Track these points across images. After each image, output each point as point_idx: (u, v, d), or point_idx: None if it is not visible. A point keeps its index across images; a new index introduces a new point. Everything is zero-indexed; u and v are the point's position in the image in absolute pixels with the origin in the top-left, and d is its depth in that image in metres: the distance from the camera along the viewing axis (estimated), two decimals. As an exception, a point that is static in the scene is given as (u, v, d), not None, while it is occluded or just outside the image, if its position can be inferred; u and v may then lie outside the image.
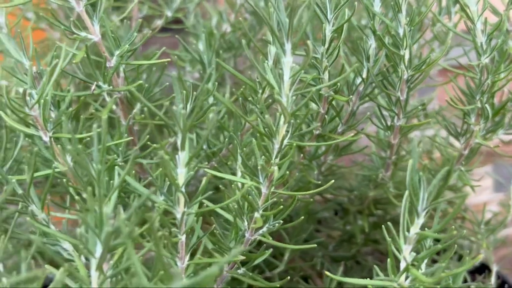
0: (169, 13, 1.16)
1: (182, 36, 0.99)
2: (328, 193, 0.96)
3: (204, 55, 0.87)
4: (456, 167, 0.89)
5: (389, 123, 0.84)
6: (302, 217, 0.67)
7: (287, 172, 0.63)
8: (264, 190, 0.66)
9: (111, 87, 0.72)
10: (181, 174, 0.58)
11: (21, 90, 0.62)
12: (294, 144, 0.61)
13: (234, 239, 0.69)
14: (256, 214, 0.68)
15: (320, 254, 1.05)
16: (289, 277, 0.72)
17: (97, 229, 0.48)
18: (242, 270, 0.71)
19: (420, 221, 0.54)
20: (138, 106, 0.75)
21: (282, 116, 0.60)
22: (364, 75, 0.80)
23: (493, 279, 1.04)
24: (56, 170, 0.66)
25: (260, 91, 0.76)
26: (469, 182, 0.87)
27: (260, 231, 0.70)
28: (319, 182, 0.81)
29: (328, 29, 0.70)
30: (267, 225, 0.69)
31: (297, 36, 0.58)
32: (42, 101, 0.63)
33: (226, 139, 0.81)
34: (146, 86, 0.73)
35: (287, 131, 0.62)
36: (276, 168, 0.63)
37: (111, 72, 0.71)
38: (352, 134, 0.84)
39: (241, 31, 1.08)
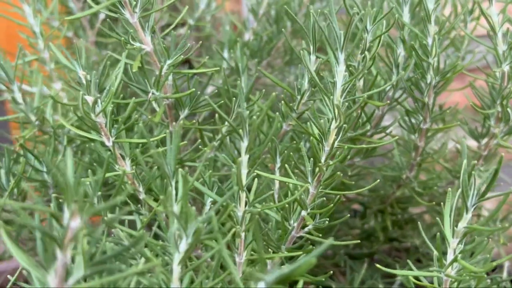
0: (191, 21, 1.20)
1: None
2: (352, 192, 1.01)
3: (239, 63, 0.91)
4: (476, 168, 0.95)
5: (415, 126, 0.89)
6: (348, 215, 0.71)
7: (338, 173, 0.67)
8: (312, 190, 0.71)
9: (161, 93, 0.76)
10: (244, 175, 0.63)
11: (89, 99, 0.65)
12: (346, 147, 0.66)
13: (282, 236, 0.74)
14: (304, 213, 0.72)
15: (342, 252, 1.10)
16: (331, 272, 0.77)
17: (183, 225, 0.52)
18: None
19: (468, 216, 0.59)
20: (185, 112, 0.79)
21: (333, 120, 0.65)
22: (394, 81, 0.86)
23: (504, 274, 1.10)
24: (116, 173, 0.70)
25: (299, 97, 0.81)
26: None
27: (306, 229, 0.74)
28: (353, 182, 0.86)
29: (368, 39, 0.75)
30: (313, 223, 0.73)
31: (350, 47, 0.63)
32: (108, 108, 0.67)
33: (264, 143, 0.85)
34: (198, 93, 0.77)
35: (336, 135, 0.67)
36: (325, 169, 0.68)
37: (163, 80, 0.75)
38: (380, 137, 0.90)
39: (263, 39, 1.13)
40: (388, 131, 0.88)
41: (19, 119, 0.90)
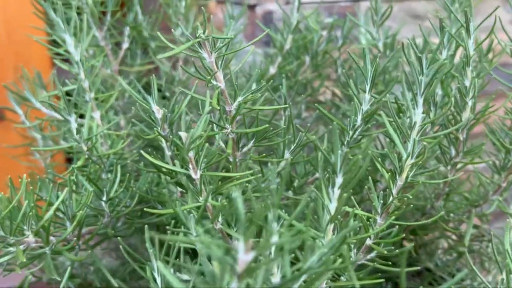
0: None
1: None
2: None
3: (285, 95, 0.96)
4: (494, 197, 1.04)
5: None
6: (413, 244, 0.78)
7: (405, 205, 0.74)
8: (380, 220, 0.77)
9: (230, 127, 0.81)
10: (336, 195, 0.68)
11: (184, 135, 0.69)
12: (420, 182, 0.72)
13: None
14: (369, 241, 0.78)
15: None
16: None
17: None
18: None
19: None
20: (250, 144, 0.83)
21: (408, 157, 0.72)
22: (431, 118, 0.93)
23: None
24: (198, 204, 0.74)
25: (351, 132, 0.87)
26: (508, 210, 1.02)
27: (368, 256, 0.80)
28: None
29: (424, 81, 0.82)
30: (374, 253, 0.79)
31: (427, 91, 0.70)
32: (197, 143, 0.70)
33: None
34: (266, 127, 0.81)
35: (410, 170, 0.73)
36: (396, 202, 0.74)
37: (233, 114, 0.80)
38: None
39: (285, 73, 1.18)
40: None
41: (72, 149, 0.92)
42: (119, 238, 0.89)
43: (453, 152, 0.96)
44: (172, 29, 1.23)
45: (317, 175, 0.93)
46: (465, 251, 0.81)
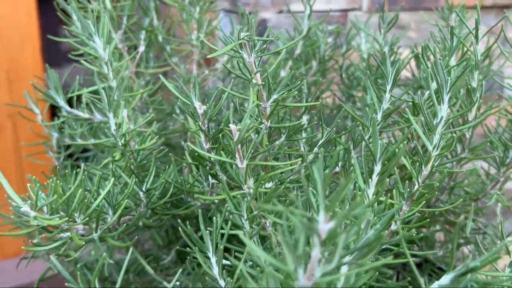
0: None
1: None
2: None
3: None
4: (493, 191, 1.13)
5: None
6: (437, 228, 0.86)
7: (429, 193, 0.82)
8: (404, 207, 0.85)
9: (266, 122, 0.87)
10: (375, 182, 0.75)
11: (234, 128, 0.76)
12: (445, 171, 0.81)
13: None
14: (393, 226, 0.86)
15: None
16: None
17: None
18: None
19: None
20: (283, 138, 0.90)
21: (434, 148, 0.80)
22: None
23: None
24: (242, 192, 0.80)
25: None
26: (505, 203, 1.11)
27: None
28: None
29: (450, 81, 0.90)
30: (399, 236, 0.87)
31: (452, 91, 0.78)
32: (246, 135, 0.77)
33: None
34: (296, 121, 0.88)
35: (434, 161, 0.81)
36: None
37: (269, 111, 0.87)
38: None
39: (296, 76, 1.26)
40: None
41: (109, 143, 0.97)
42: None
43: (459, 149, 1.05)
44: (185, 34, 1.30)
45: (337, 169, 1.00)
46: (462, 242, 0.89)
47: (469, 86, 0.99)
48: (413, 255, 1.05)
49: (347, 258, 0.59)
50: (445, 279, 0.59)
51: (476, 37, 0.95)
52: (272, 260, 0.55)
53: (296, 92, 0.86)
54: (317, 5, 1.53)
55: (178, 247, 1.16)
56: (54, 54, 2.01)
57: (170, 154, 0.91)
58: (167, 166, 0.97)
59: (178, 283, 0.97)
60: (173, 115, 1.11)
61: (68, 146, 1.31)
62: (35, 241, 1.12)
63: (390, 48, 1.24)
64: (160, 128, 1.25)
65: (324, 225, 0.53)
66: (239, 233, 0.61)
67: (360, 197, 0.72)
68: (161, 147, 1.08)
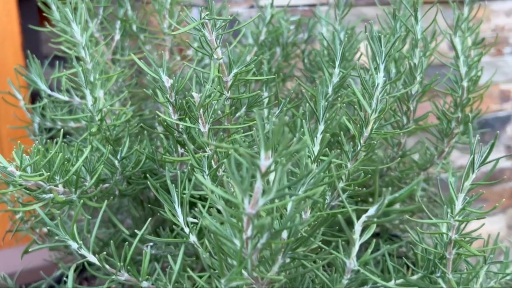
0: (196, 44, 1.42)
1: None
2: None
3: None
4: (438, 160, 1.25)
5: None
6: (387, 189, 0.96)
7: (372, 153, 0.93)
8: (349, 165, 0.96)
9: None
10: (319, 140, 0.86)
11: (196, 95, 0.86)
12: (382, 132, 0.91)
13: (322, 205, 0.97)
14: (341, 184, 0.97)
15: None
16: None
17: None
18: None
19: (473, 176, 0.86)
20: (243, 109, 1.01)
21: (372, 112, 0.91)
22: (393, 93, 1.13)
23: None
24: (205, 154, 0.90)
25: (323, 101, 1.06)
26: (451, 170, 1.22)
27: (339, 198, 0.98)
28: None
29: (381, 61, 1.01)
30: (347, 193, 0.98)
31: (387, 60, 0.89)
32: (206, 104, 0.87)
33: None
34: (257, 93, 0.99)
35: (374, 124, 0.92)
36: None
37: (230, 84, 0.97)
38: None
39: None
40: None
41: (87, 118, 1.07)
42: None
43: (405, 119, 1.16)
44: (158, 24, 1.40)
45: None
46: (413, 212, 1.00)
47: (411, 62, 1.10)
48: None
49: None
50: (371, 210, 0.70)
51: (415, 17, 1.07)
52: (224, 194, 0.65)
53: (254, 67, 0.96)
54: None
55: (151, 218, 1.26)
56: (35, 54, 2.09)
57: (141, 125, 1.01)
58: (140, 138, 1.07)
59: (151, 243, 1.06)
60: (144, 89, 1.20)
61: (49, 130, 1.40)
62: (19, 215, 1.22)
63: (346, 33, 1.35)
64: (135, 110, 1.35)
65: (264, 161, 0.63)
66: (198, 176, 0.71)
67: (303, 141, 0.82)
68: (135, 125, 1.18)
